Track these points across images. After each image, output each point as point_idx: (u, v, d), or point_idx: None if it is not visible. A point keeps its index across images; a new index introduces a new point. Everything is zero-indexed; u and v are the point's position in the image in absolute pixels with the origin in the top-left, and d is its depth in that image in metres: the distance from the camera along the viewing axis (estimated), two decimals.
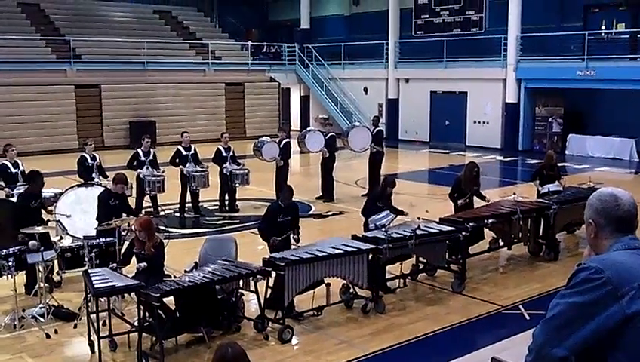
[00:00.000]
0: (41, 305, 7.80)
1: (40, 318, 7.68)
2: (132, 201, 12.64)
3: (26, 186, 9.45)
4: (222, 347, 3.68)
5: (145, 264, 7.26)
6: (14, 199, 10.16)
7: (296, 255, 7.56)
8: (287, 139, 14.95)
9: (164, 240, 7.76)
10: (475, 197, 10.46)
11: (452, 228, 8.89)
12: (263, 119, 28.56)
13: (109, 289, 6.66)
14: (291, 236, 8.47)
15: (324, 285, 7.85)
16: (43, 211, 9.21)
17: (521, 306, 8.31)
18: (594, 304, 2.35)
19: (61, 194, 10.20)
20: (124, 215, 8.78)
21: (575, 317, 2.38)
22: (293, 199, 8.76)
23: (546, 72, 23.29)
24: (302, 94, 32.34)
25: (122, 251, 8.10)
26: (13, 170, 11.28)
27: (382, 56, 28.68)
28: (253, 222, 12.03)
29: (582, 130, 23.34)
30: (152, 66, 26.58)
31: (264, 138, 15.04)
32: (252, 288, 7.32)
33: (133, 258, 7.76)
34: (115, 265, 7.58)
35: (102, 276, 6.90)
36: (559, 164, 20.07)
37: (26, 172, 11.34)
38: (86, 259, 8.07)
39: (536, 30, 23.61)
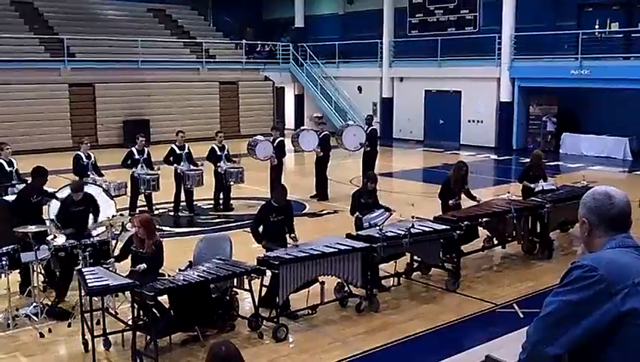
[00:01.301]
0: (34, 304, 7.78)
1: (34, 317, 7.65)
2: (127, 200, 12.69)
3: (29, 181, 9.58)
4: (216, 345, 3.68)
5: (144, 265, 7.25)
6: (9, 198, 10.18)
7: (291, 254, 7.56)
8: (281, 138, 14.96)
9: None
10: (464, 197, 10.48)
11: (446, 227, 8.90)
12: (257, 118, 28.53)
13: (103, 288, 6.64)
14: (289, 238, 8.46)
15: (318, 283, 7.86)
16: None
17: (515, 304, 8.33)
18: (588, 302, 2.36)
19: (55, 193, 10.16)
20: (92, 218, 9.00)
21: (569, 315, 2.39)
22: (287, 198, 8.75)
23: (540, 71, 23.32)
24: (296, 93, 32.32)
25: (120, 247, 8.09)
26: (7, 168, 11.30)
27: (376, 55, 28.67)
28: (247, 221, 11.99)
29: (576, 129, 23.40)
30: (146, 65, 26.51)
31: (258, 137, 15.04)
32: (246, 287, 7.32)
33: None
34: (113, 259, 7.65)
35: (96, 275, 6.89)
36: (554, 163, 20.22)
37: (20, 171, 11.41)
38: (80, 258, 8.04)
39: (531, 29, 23.63)
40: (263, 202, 9.35)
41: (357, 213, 9.38)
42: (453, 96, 26.13)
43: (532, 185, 11.42)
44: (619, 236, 2.57)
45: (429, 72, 26.48)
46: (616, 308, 2.35)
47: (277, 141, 14.64)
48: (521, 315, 7.96)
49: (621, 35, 22.88)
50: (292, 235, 8.45)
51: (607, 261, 2.43)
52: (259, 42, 32.20)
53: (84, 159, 12.33)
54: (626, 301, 2.35)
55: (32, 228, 7.90)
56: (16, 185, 10.86)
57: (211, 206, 14.11)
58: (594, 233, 2.62)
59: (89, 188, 10.63)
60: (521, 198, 11.09)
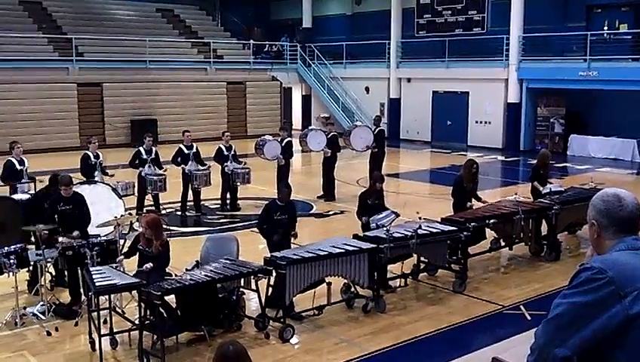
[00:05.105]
0: (42, 303, 7.80)
1: (41, 316, 7.68)
2: (134, 200, 12.70)
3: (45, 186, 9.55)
4: (223, 345, 3.69)
5: (151, 264, 7.25)
6: (18, 196, 10.22)
7: (298, 254, 7.56)
8: (289, 138, 14.97)
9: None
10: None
11: (453, 228, 8.89)
12: (264, 118, 28.56)
13: (110, 287, 6.66)
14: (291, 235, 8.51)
15: (325, 284, 7.86)
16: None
17: (522, 306, 8.31)
18: (597, 304, 2.35)
19: None
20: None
21: (578, 317, 2.37)
22: (293, 198, 8.77)
23: (548, 72, 23.25)
24: (303, 93, 32.32)
25: (128, 245, 8.11)
26: (18, 167, 11.37)
27: (384, 56, 28.63)
28: (254, 221, 11.99)
29: (584, 131, 23.31)
30: (154, 65, 26.58)
31: (266, 137, 15.05)
32: (253, 287, 7.32)
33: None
34: (122, 257, 7.66)
35: (103, 274, 6.90)
36: (562, 165, 20.16)
37: (29, 170, 11.47)
38: (87, 257, 8.06)
39: (539, 30, 23.58)
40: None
41: (365, 218, 9.33)
42: (460, 97, 26.07)
43: (541, 188, 11.36)
44: (628, 238, 2.55)
45: (436, 73, 26.45)
46: (624, 310, 2.34)
47: (285, 141, 14.66)
48: (529, 317, 7.94)
49: (630, 37, 22.75)
50: (292, 232, 8.53)
51: (617, 263, 2.42)
52: (266, 42, 32.23)
53: (93, 159, 12.34)
54: (635, 304, 2.34)
55: (41, 227, 7.93)
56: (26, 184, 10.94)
57: (218, 206, 14.13)
58: (603, 235, 2.61)
59: (97, 187, 10.69)
60: (529, 199, 11.06)
